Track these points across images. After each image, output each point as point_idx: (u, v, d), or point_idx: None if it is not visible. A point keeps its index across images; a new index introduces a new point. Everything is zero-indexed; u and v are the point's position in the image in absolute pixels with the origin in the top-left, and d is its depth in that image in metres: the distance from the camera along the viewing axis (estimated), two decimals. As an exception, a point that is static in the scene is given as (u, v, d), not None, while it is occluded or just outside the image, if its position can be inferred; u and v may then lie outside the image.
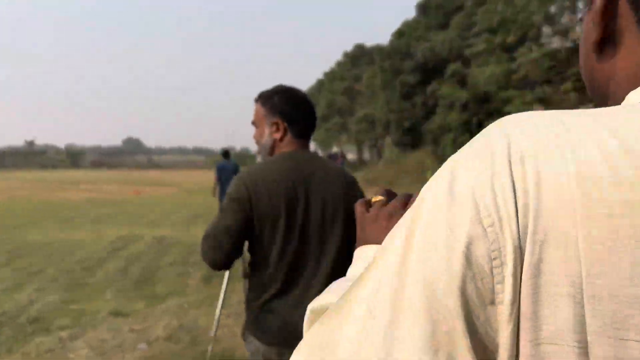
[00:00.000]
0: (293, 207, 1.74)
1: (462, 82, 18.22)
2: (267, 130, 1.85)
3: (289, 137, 1.84)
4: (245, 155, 60.22)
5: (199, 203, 16.63)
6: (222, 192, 10.90)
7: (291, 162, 1.79)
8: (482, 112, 17.94)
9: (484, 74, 11.99)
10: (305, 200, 1.76)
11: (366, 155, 40.58)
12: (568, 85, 13.51)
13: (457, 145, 19.03)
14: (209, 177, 37.29)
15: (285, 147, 1.84)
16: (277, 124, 1.83)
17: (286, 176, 1.75)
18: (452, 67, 18.04)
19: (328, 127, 40.24)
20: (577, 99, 14.71)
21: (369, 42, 36.58)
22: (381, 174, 24.02)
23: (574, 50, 12.59)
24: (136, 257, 7.77)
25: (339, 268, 1.76)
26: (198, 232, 10.11)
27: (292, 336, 1.64)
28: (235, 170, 11.53)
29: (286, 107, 1.84)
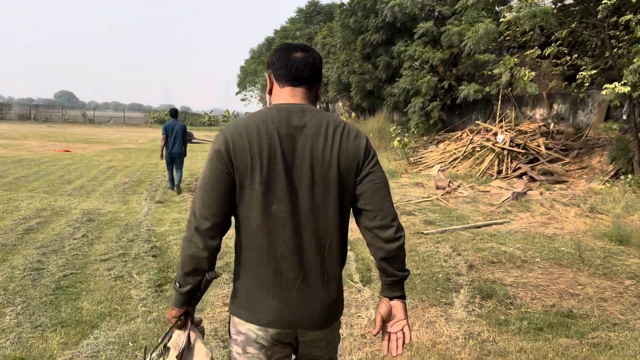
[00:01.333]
0: (274, 162, 1.58)
1: (434, 42, 16.84)
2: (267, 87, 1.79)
3: (275, 86, 1.73)
4: (185, 114, 57.02)
5: (137, 166, 14.55)
6: (169, 152, 10.38)
7: (277, 112, 1.64)
8: (452, 76, 16.70)
9: (475, 33, 10.63)
10: (291, 154, 1.60)
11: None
12: (552, 48, 12.39)
13: (425, 111, 17.90)
14: (147, 135, 34.57)
15: (276, 99, 1.72)
16: (267, 76, 1.79)
17: (269, 126, 1.60)
18: (423, 26, 16.55)
19: (278, 87, 38.13)
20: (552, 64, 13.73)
21: (324, 0, 34.36)
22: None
23: (566, 10, 11.45)
24: (53, 244, 5.91)
25: (334, 239, 1.67)
26: (138, 208, 8.60)
27: (290, 316, 1.62)
28: (184, 130, 10.71)
29: (272, 56, 1.75)
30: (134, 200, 9.17)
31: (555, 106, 16.38)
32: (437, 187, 11.75)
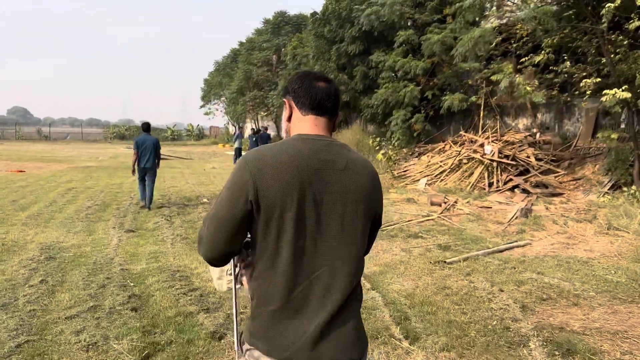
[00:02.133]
0: (304, 199, 1.53)
1: (414, 51, 16.22)
2: (283, 114, 1.78)
3: (297, 113, 1.69)
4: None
5: (100, 187, 13.20)
6: (142, 168, 10.07)
7: (304, 144, 1.59)
8: (435, 86, 16.07)
9: (471, 38, 9.94)
10: (321, 190, 1.55)
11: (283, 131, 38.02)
12: (542, 56, 11.87)
13: (408, 123, 17.21)
14: (108, 151, 32.80)
15: (298, 128, 1.67)
16: (285, 102, 1.74)
17: (297, 161, 1.54)
18: (403, 34, 15.90)
19: (244, 101, 37.09)
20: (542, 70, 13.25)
21: (292, 11, 33.42)
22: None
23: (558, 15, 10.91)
24: (3, 296, 4.73)
25: (359, 274, 1.66)
26: (106, 239, 7.27)
27: (306, 352, 1.56)
28: (156, 145, 10.24)
29: (293, 84, 1.71)
30: (100, 228, 7.96)
31: (539, 115, 15.97)
32: (432, 203, 10.96)
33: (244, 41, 40.38)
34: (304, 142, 1.59)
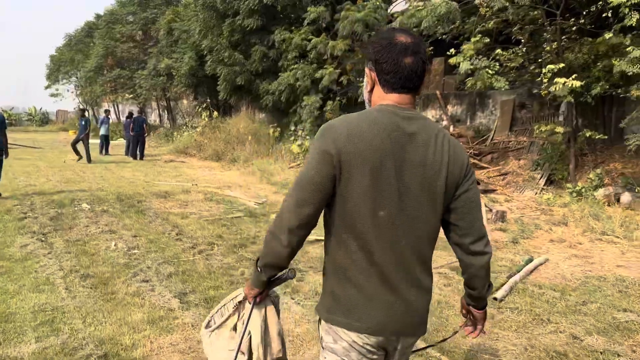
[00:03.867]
0: (384, 169, 1.52)
1: (326, 30, 14.46)
2: (365, 80, 1.70)
3: (379, 90, 1.63)
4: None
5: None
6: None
7: (385, 116, 1.56)
8: (351, 71, 14.51)
9: (433, 13, 8.46)
10: (400, 162, 1.53)
11: (153, 116, 33.93)
12: (477, 38, 10.91)
13: (319, 112, 15.41)
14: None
15: (379, 100, 1.63)
16: (367, 73, 1.67)
17: (379, 131, 1.52)
18: (314, 10, 14.07)
19: (104, 80, 32.28)
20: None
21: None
22: (203, 143, 18.91)
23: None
24: None
25: (432, 249, 1.66)
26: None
27: (395, 324, 1.58)
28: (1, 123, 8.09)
29: (378, 53, 1.60)
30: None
31: (450, 107, 15.35)
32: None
33: (104, 13, 35.21)
34: (385, 114, 1.56)
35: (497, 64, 9.21)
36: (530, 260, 5.61)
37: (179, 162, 17.50)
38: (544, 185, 10.93)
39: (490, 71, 8.81)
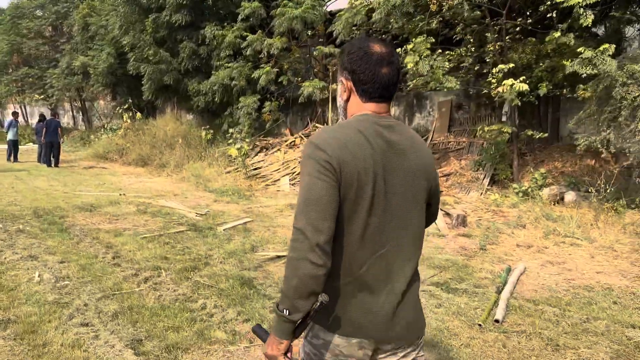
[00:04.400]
0: (376, 177, 1.55)
1: (261, 28, 13.72)
2: (339, 89, 1.74)
3: (356, 99, 1.65)
4: None
5: None
6: None
7: (369, 124, 1.60)
8: (289, 70, 13.88)
9: (386, 2, 8.00)
10: (388, 169, 1.58)
11: (66, 118, 31.24)
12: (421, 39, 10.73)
13: (256, 114, 14.64)
14: None
15: (357, 109, 1.66)
16: (342, 82, 1.69)
17: (368, 139, 1.56)
18: (249, 6, 13.31)
19: (10, 80, 29.34)
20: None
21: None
22: (123, 147, 17.43)
23: None
24: None
25: (419, 253, 1.70)
26: None
27: (376, 326, 1.57)
28: None
29: (355, 65, 1.62)
30: None
31: (388, 108, 15.15)
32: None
33: (7, 7, 32.02)
34: (368, 122, 1.59)
35: (447, 63, 8.98)
36: (509, 269, 5.31)
37: (100, 168, 16.05)
38: (488, 185, 10.93)
39: (442, 70, 8.55)
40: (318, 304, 1.49)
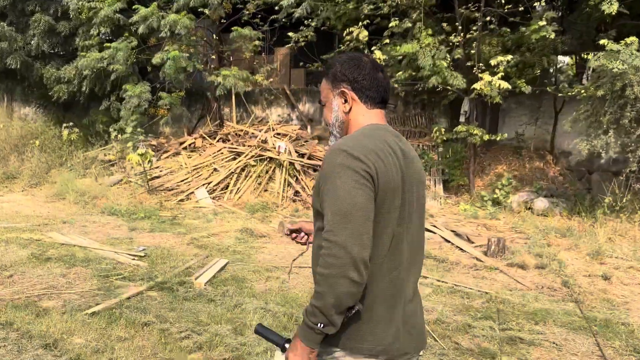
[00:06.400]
0: (404, 186, 1.52)
1: None
2: (334, 104, 1.64)
3: (361, 106, 1.61)
4: None
5: None
6: None
7: (387, 134, 1.57)
8: (196, 52, 11.15)
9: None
10: (405, 178, 1.53)
11: None
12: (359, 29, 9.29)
13: (144, 108, 11.52)
14: None
15: (363, 120, 1.61)
16: (343, 92, 1.62)
17: (391, 149, 1.52)
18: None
19: None
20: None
21: None
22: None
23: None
24: None
25: (423, 257, 1.70)
26: None
27: (394, 341, 1.51)
28: None
29: (354, 73, 1.61)
30: None
31: (301, 105, 13.38)
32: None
33: None
34: (386, 131, 1.57)
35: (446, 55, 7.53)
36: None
37: None
38: (443, 193, 9.83)
39: (445, 63, 7.08)
40: (353, 311, 1.44)
